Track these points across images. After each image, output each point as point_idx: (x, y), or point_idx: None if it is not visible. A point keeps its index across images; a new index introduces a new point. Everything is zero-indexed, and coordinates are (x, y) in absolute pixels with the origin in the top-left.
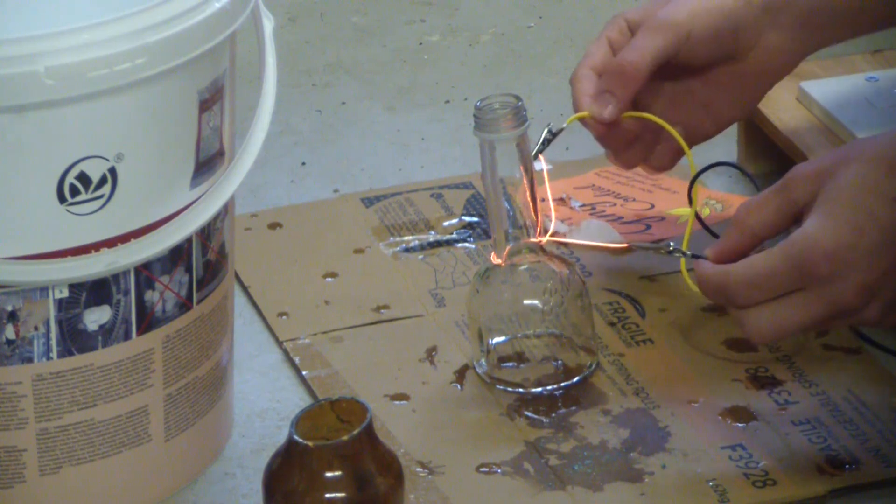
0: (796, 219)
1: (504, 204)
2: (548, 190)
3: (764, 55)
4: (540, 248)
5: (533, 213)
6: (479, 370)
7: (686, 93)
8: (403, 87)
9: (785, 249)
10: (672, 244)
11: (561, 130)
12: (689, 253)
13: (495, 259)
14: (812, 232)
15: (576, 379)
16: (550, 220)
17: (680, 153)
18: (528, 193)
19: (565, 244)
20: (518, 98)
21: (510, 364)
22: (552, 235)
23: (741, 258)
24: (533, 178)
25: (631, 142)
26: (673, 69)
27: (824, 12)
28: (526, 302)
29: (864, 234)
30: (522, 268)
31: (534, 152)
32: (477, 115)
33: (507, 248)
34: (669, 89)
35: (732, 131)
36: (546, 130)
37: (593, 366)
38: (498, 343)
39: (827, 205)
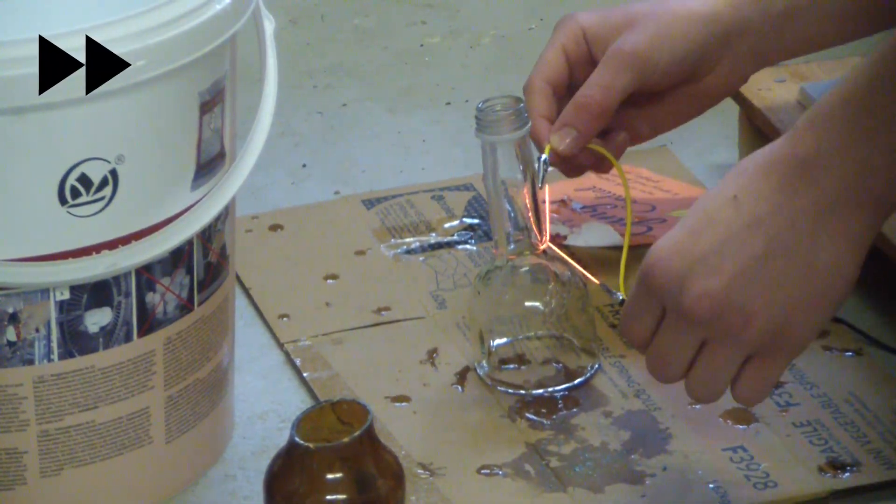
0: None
1: (505, 205)
2: (532, 193)
3: (718, 79)
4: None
5: (534, 216)
6: (480, 372)
7: (633, 107)
8: (404, 88)
9: (638, 272)
10: (621, 297)
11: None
12: None
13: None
14: (653, 247)
15: (577, 381)
16: (550, 222)
17: (622, 148)
18: (528, 196)
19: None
20: (519, 100)
21: (511, 366)
22: (552, 238)
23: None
24: (534, 181)
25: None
26: (631, 94)
27: (773, 40)
28: (527, 304)
29: (700, 237)
30: (523, 270)
31: (540, 185)
32: (478, 116)
33: (508, 249)
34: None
35: (733, 133)
36: (542, 163)
37: (594, 367)
38: (499, 345)
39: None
